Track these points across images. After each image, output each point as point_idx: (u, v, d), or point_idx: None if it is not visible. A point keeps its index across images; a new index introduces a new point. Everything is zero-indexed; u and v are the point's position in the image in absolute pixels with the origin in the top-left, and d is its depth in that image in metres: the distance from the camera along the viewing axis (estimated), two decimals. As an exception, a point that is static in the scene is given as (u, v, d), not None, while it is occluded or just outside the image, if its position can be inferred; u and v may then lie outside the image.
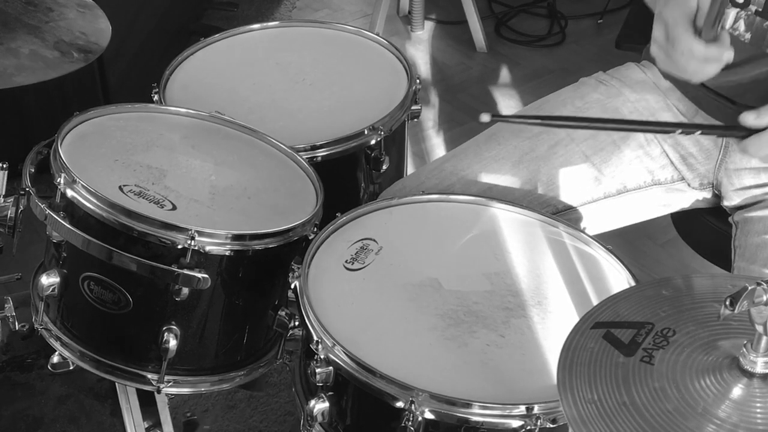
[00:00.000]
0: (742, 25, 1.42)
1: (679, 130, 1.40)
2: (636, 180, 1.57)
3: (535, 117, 1.44)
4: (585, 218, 1.57)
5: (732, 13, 1.40)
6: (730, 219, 1.55)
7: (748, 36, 1.42)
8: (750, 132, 1.32)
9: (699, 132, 1.41)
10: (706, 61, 1.29)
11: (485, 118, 1.25)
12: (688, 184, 1.58)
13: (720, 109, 1.48)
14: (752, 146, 1.32)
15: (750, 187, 1.52)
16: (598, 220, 1.59)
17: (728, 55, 1.29)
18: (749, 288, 0.89)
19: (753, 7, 1.40)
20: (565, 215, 1.54)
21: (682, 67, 1.32)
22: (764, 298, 0.89)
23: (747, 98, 1.42)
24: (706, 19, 1.28)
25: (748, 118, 1.31)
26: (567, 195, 1.56)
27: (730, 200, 1.54)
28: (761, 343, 0.92)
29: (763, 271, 1.43)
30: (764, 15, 1.40)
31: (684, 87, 1.53)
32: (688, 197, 1.60)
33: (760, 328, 0.91)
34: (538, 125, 1.49)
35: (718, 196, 1.58)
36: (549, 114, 1.57)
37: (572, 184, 1.56)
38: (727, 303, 0.90)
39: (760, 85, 1.42)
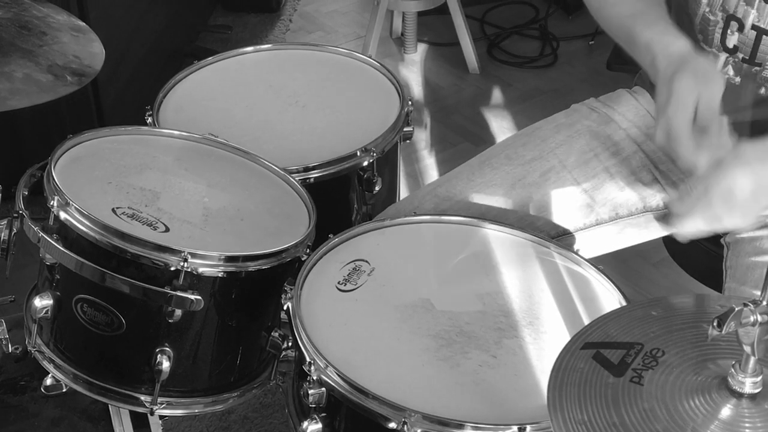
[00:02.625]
0: (731, 70, 1.44)
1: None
2: (628, 207, 1.58)
3: None
4: (578, 243, 1.57)
5: (722, 57, 1.43)
6: (721, 240, 1.55)
7: (738, 80, 1.44)
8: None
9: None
10: (710, 158, 1.30)
11: None
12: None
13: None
14: (675, 226, 1.31)
15: None
16: (592, 245, 1.59)
17: (729, 144, 1.30)
18: (736, 309, 0.89)
19: (740, 55, 1.42)
20: (559, 241, 1.55)
21: (687, 166, 1.33)
22: (751, 318, 0.90)
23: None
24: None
25: (672, 202, 1.32)
26: (560, 221, 1.56)
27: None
28: (749, 363, 0.93)
29: (754, 292, 1.44)
30: (750, 63, 1.42)
31: None
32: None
33: (747, 349, 0.92)
34: None
35: (711, 220, 1.59)
36: (540, 139, 1.59)
37: (565, 210, 1.56)
38: (715, 324, 0.91)
39: (755, 126, 1.44)
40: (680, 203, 1.29)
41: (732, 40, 1.43)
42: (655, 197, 1.58)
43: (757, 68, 1.42)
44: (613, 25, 1.48)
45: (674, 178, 1.56)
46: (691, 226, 1.29)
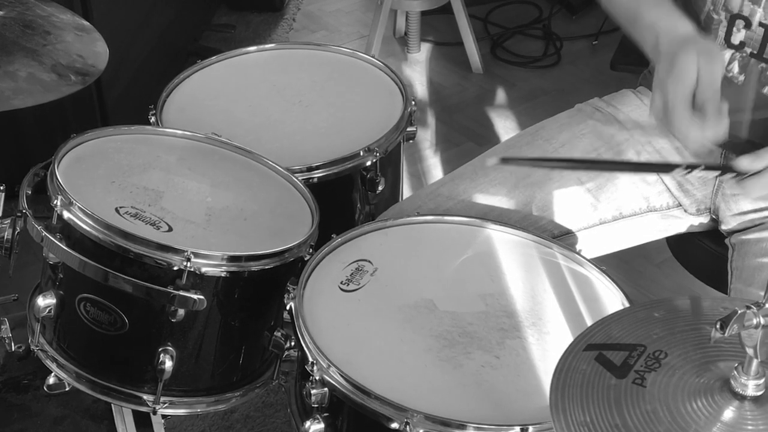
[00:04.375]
0: (735, 67, 1.44)
1: (684, 170, 1.38)
2: (632, 206, 1.58)
3: (543, 159, 1.45)
4: (581, 243, 1.57)
5: (727, 54, 1.43)
6: (726, 241, 1.55)
7: (741, 78, 1.44)
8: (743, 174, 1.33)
9: (702, 169, 1.39)
10: (702, 136, 1.30)
11: (492, 161, 1.27)
12: (685, 210, 1.58)
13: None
14: (749, 187, 1.31)
15: (748, 212, 1.52)
16: (594, 245, 1.59)
17: (725, 126, 1.30)
18: (739, 312, 0.89)
19: (748, 50, 1.42)
20: (562, 240, 1.55)
21: (680, 141, 1.35)
22: (754, 321, 0.90)
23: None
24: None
25: (743, 163, 1.32)
26: (563, 221, 1.56)
27: (728, 224, 1.55)
28: (752, 365, 0.93)
29: (761, 293, 1.43)
30: (759, 57, 1.42)
31: None
32: (684, 222, 1.61)
33: (750, 351, 0.92)
34: (546, 167, 1.49)
35: (715, 221, 1.58)
36: (543, 139, 1.58)
37: (568, 210, 1.56)
38: (718, 326, 0.90)
39: (754, 126, 1.43)
40: (752, 162, 1.30)
41: (738, 37, 1.43)
42: (659, 197, 1.58)
43: (765, 65, 1.41)
44: (619, 8, 1.47)
45: (679, 179, 1.56)
46: (763, 190, 1.30)
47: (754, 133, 1.43)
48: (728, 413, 0.94)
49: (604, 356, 1.00)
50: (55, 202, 1.34)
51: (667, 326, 1.04)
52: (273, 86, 1.77)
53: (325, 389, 1.23)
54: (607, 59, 2.40)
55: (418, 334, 1.30)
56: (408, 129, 1.69)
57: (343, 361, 1.23)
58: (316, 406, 1.24)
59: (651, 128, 1.58)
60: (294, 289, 1.33)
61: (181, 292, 1.31)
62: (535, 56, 3.24)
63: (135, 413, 1.55)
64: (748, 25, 1.41)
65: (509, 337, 1.30)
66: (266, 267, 1.36)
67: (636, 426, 0.93)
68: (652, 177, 1.57)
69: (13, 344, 1.57)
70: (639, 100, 1.61)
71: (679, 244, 1.70)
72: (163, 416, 1.58)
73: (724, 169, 1.37)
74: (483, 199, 1.56)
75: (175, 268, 1.31)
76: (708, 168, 1.37)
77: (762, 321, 0.90)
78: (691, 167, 1.34)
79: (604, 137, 1.58)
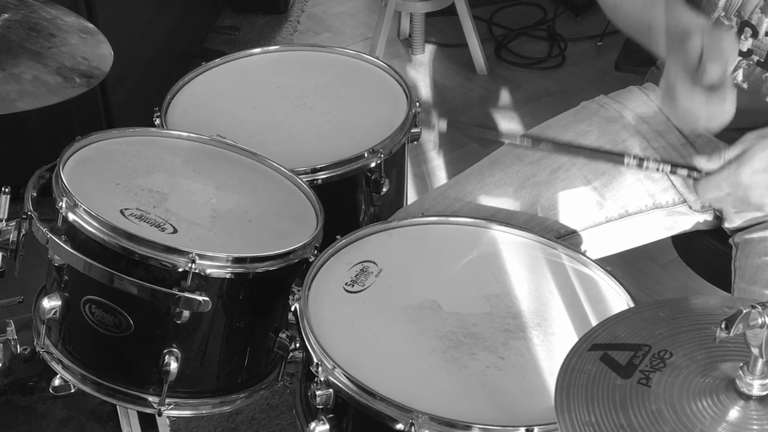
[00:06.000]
0: (740, 75, 1.44)
1: (633, 161, 1.35)
2: (637, 204, 1.58)
3: (489, 128, 1.44)
4: (587, 242, 1.57)
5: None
6: (730, 240, 1.55)
7: (745, 85, 1.44)
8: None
9: (654, 162, 1.36)
10: (709, 113, 1.30)
11: (443, 125, 1.26)
12: (690, 207, 1.58)
13: (711, 147, 1.49)
14: (700, 188, 1.33)
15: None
16: (600, 244, 1.59)
17: (731, 101, 1.30)
18: (744, 311, 0.89)
19: (755, 57, 1.42)
20: (567, 240, 1.55)
21: (686, 120, 1.34)
22: (759, 321, 0.89)
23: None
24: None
25: (701, 161, 1.32)
26: (569, 219, 1.56)
27: (732, 222, 1.55)
28: (757, 365, 0.93)
29: (764, 292, 1.43)
30: (765, 66, 1.42)
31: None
32: (689, 220, 1.60)
33: (755, 351, 0.92)
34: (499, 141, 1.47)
35: (719, 218, 1.58)
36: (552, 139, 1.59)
37: (574, 208, 1.56)
38: (723, 326, 0.90)
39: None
40: (708, 161, 1.30)
41: (746, 45, 1.43)
42: (665, 194, 1.58)
43: None
44: (630, 17, 1.47)
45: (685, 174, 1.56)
46: (715, 192, 1.30)
47: None
48: (733, 413, 0.94)
49: (609, 356, 1.00)
50: (60, 204, 1.35)
51: (672, 326, 1.04)
52: (277, 88, 1.78)
53: (330, 390, 1.23)
54: (612, 60, 2.40)
55: (423, 335, 1.30)
56: (412, 130, 1.69)
57: (348, 363, 1.23)
58: (321, 407, 1.24)
59: (657, 124, 1.58)
60: (299, 290, 1.33)
61: (186, 294, 1.31)
62: (539, 57, 3.24)
63: (140, 415, 1.56)
64: (755, 34, 1.41)
65: (514, 338, 1.30)
66: (271, 268, 1.36)
67: (641, 426, 0.93)
68: (657, 174, 1.57)
69: (18, 346, 1.57)
70: (646, 96, 1.61)
71: (684, 243, 1.70)
72: (169, 418, 1.58)
73: (674, 165, 1.36)
74: (490, 199, 1.56)
75: (180, 270, 1.31)
76: (662, 162, 1.36)
77: (767, 321, 0.90)
78: (642, 160, 1.33)
79: (609, 134, 1.58)
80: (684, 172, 1.34)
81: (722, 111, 1.30)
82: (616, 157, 1.39)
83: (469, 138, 1.51)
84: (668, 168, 1.36)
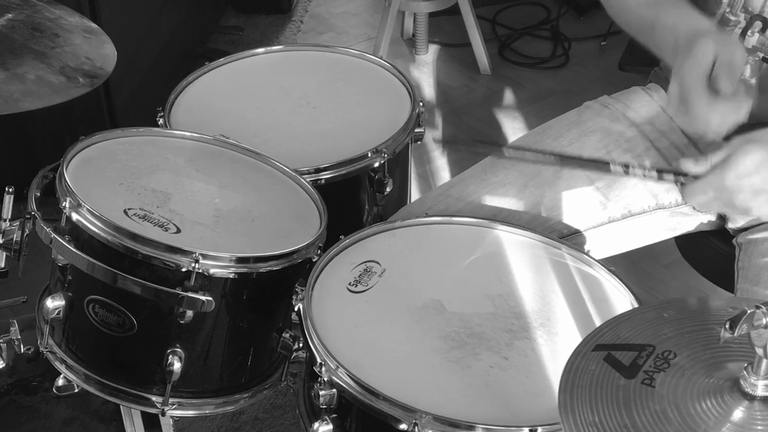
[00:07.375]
0: (748, 70, 1.43)
1: (619, 168, 1.35)
2: (640, 204, 1.58)
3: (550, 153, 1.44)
4: (590, 242, 1.57)
5: None
6: (733, 241, 1.55)
7: (753, 81, 1.43)
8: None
9: (641, 168, 1.37)
10: (722, 121, 1.30)
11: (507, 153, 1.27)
12: (693, 207, 1.58)
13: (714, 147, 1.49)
14: (686, 193, 1.33)
15: None
16: (604, 244, 1.59)
17: (746, 109, 1.29)
18: (748, 311, 0.89)
19: (760, 54, 1.41)
20: (571, 240, 1.55)
21: (696, 127, 1.34)
22: (764, 321, 0.89)
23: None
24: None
25: (687, 165, 1.32)
26: (572, 220, 1.56)
27: (735, 223, 1.54)
28: (761, 366, 0.92)
29: (767, 292, 1.43)
30: None
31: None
32: (693, 220, 1.60)
33: (760, 351, 0.92)
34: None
35: (722, 219, 1.58)
36: (552, 137, 1.58)
37: (577, 208, 1.56)
38: (727, 326, 0.90)
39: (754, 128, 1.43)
40: (695, 165, 1.30)
41: (751, 41, 1.42)
42: (668, 194, 1.58)
43: None
44: (633, 17, 1.47)
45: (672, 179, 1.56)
46: (701, 196, 1.30)
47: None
48: (738, 413, 0.94)
49: (613, 356, 1.00)
50: (63, 204, 1.35)
51: (676, 326, 1.03)
52: (281, 88, 1.78)
53: (334, 390, 1.23)
54: (616, 60, 2.39)
55: (427, 335, 1.30)
56: (416, 130, 1.69)
57: (352, 363, 1.23)
58: (324, 407, 1.24)
59: (661, 124, 1.58)
60: (302, 290, 1.33)
61: (190, 294, 1.31)
62: (543, 57, 3.24)
63: (144, 414, 1.56)
64: (764, 29, 1.41)
65: (518, 338, 1.30)
66: (274, 268, 1.36)
67: (645, 426, 0.93)
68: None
69: (22, 346, 1.57)
70: (649, 97, 1.61)
71: (687, 243, 1.70)
72: (172, 418, 1.59)
73: (660, 171, 1.36)
74: (493, 199, 1.56)
75: (184, 270, 1.31)
76: (647, 168, 1.36)
77: (772, 321, 0.90)
78: (627, 167, 1.33)
79: (612, 134, 1.58)
80: (671, 177, 1.34)
81: (735, 119, 1.30)
82: (602, 165, 1.40)
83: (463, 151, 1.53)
84: (654, 174, 1.36)
